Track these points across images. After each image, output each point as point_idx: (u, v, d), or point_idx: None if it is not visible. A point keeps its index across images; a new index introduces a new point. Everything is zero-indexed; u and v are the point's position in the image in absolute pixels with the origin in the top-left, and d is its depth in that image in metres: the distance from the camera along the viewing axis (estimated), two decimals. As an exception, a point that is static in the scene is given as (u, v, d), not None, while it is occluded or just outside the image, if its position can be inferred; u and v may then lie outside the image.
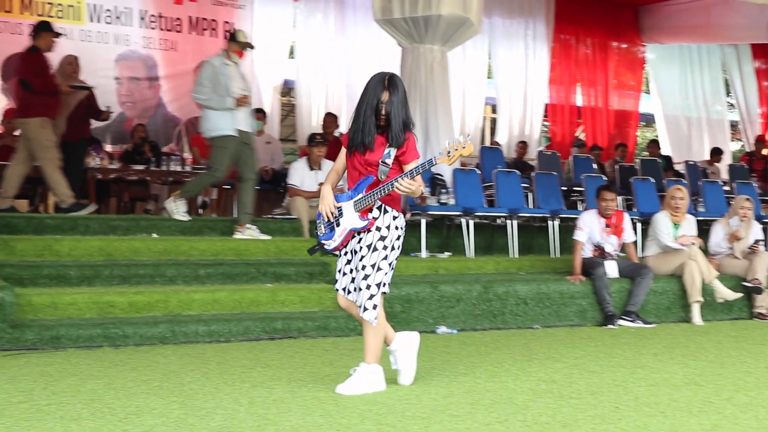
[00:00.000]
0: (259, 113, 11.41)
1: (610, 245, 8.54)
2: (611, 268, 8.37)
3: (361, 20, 13.83)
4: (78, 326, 6.28)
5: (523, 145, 14.27)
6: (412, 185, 4.58)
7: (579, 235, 8.49)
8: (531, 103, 15.60)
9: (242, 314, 6.96)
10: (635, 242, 8.94)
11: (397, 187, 4.59)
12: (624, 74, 16.94)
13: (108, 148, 11.72)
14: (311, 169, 9.42)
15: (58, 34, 9.03)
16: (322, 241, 4.88)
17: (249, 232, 8.46)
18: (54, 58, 9.12)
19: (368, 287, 4.72)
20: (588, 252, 8.52)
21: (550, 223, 10.26)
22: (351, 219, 4.75)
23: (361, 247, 4.76)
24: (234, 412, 4.28)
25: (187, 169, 10.74)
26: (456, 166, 10.20)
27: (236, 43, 8.65)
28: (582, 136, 16.45)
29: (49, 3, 11.93)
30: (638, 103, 17.17)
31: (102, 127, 11.39)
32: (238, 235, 8.43)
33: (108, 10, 12.33)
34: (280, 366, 5.61)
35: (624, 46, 16.86)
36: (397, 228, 4.79)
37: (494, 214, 10.05)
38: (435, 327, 7.44)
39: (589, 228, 8.50)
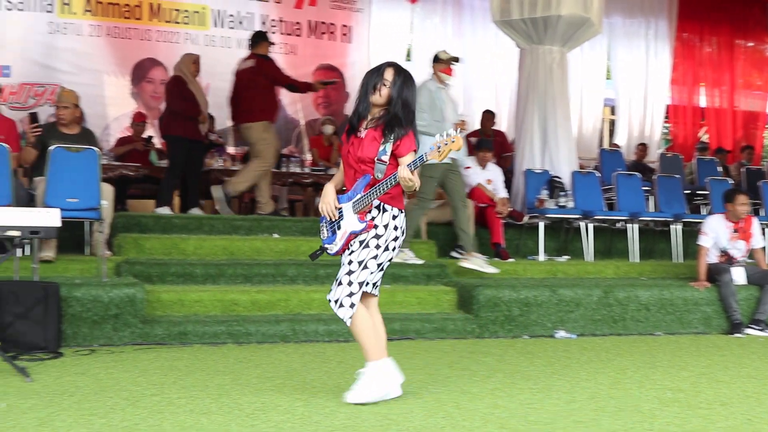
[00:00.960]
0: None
1: (738, 251, 8.25)
2: (739, 275, 8.09)
3: (479, 22, 13.78)
4: (203, 323, 6.47)
5: (642, 147, 13.93)
6: (414, 179, 4.24)
7: (704, 240, 8.23)
8: (651, 105, 15.20)
9: (361, 314, 7.02)
10: (764, 248, 8.62)
11: (401, 177, 4.24)
12: (751, 74, 16.33)
13: (230, 150, 12.02)
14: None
15: (272, 43, 9.65)
16: (325, 245, 4.61)
17: (476, 261, 8.05)
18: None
19: (350, 284, 4.40)
20: (713, 258, 8.25)
21: (672, 227, 9.99)
22: (350, 221, 4.44)
23: (353, 242, 4.45)
24: (357, 412, 4.33)
25: (306, 170, 10.91)
26: (573, 167, 10.06)
27: (441, 63, 8.30)
28: (705, 138, 15.94)
29: (176, 10, 12.33)
30: (766, 104, 16.52)
31: (225, 128, 11.70)
32: (465, 264, 8.06)
33: (231, 15, 12.66)
34: (400, 367, 5.63)
35: (751, 44, 16.25)
36: (396, 228, 4.45)
37: (615, 217, 9.85)
38: (554, 331, 7.35)
39: (715, 233, 8.23)
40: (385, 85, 4.40)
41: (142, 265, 7.26)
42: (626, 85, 15.09)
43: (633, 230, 9.74)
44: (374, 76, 4.45)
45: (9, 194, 6.85)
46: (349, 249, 4.46)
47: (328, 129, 11.79)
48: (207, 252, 7.80)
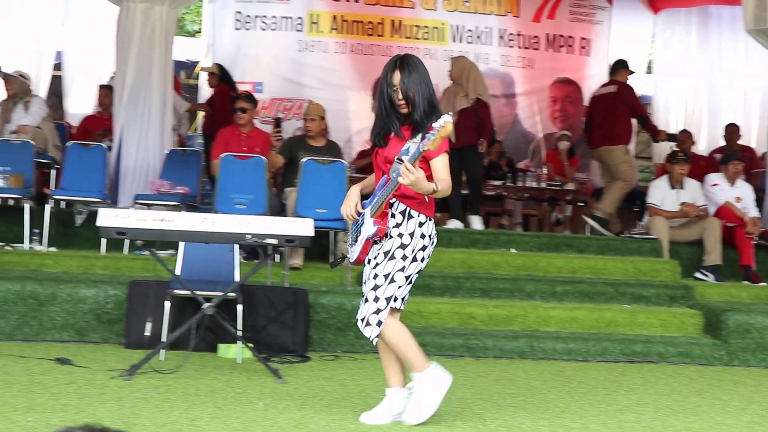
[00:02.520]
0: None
1: None
2: None
3: (727, 32, 13.06)
4: (442, 335, 6.54)
5: None
6: (413, 172, 3.74)
7: None
8: None
9: (600, 334, 6.85)
10: None
11: (402, 171, 3.77)
12: None
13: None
14: (672, 187, 9.05)
15: (632, 72, 9.96)
16: (346, 254, 4.29)
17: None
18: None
19: (376, 299, 4.02)
20: None
21: None
22: (367, 226, 4.07)
23: (377, 254, 4.08)
24: (604, 435, 4.21)
25: (543, 185, 10.80)
26: None
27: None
28: None
29: (416, 26, 12.61)
30: None
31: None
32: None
33: (469, 30, 12.78)
34: (643, 391, 5.44)
35: None
36: (423, 236, 4.03)
37: None
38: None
39: None
40: (395, 91, 4.03)
41: (383, 275, 7.44)
42: None
43: None
44: (384, 84, 4.07)
45: (264, 204, 7.26)
46: (373, 260, 4.10)
47: (564, 144, 11.62)
48: (445, 264, 7.88)
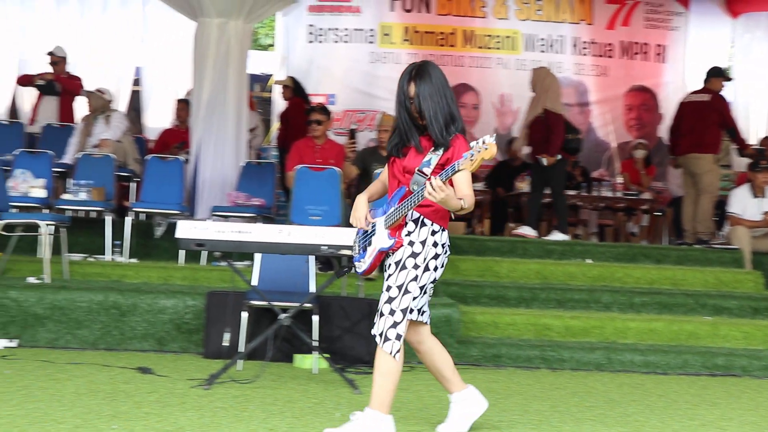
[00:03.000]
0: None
1: None
2: None
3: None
4: (517, 346, 6.49)
5: None
6: (444, 190, 3.60)
7: None
8: None
9: (680, 347, 6.71)
10: None
11: (428, 192, 3.63)
12: None
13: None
14: (755, 196, 8.85)
15: (729, 79, 9.91)
16: (354, 262, 4.14)
17: None
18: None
19: (392, 312, 3.84)
20: None
21: None
22: (380, 237, 3.93)
23: (389, 264, 3.95)
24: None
25: (618, 194, 10.64)
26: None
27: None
28: None
29: (488, 36, 12.58)
30: None
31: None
32: None
33: (542, 39, 12.70)
34: (727, 405, 5.30)
35: None
36: (435, 245, 3.87)
37: None
38: None
39: None
40: (412, 103, 3.86)
41: (458, 286, 7.42)
42: None
43: None
44: (400, 95, 3.90)
45: (339, 215, 7.31)
46: (385, 272, 3.96)
47: (640, 153, 11.45)
48: (520, 275, 7.83)
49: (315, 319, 5.72)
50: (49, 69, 10.48)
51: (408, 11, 12.44)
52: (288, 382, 5.37)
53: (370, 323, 6.12)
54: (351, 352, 6.17)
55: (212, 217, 8.06)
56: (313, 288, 5.92)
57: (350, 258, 4.22)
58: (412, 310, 3.88)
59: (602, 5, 12.76)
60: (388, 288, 3.88)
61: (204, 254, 7.81)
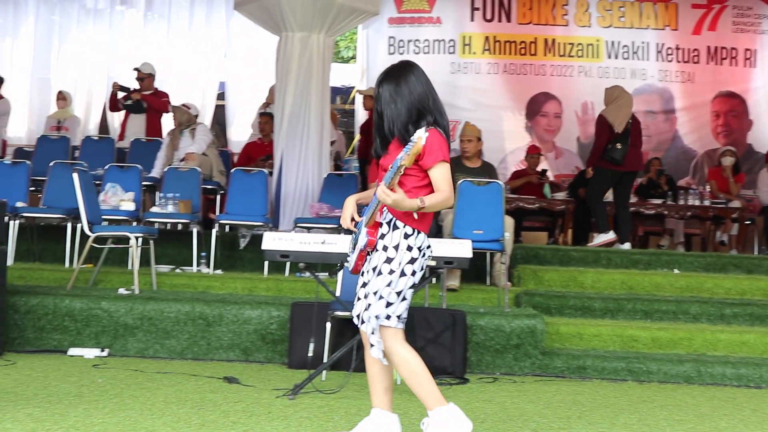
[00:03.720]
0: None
1: None
2: None
3: None
4: (603, 358, 6.37)
5: None
6: (389, 195, 3.54)
7: None
8: None
9: (774, 360, 6.51)
10: None
11: (379, 197, 3.61)
12: None
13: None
14: None
15: None
16: (345, 261, 4.11)
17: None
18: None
19: (370, 319, 3.78)
20: None
21: None
22: (361, 236, 3.84)
23: (367, 271, 3.87)
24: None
25: (706, 203, 10.39)
26: None
27: None
28: None
29: (570, 44, 12.46)
30: None
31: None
32: None
33: (625, 46, 12.51)
34: None
35: None
36: (410, 249, 3.74)
37: None
38: None
39: None
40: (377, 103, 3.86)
41: (541, 296, 7.34)
42: None
43: None
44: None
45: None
46: (367, 276, 3.86)
47: (728, 160, 11.16)
48: (605, 286, 7.71)
49: (398, 329, 5.72)
50: (136, 85, 10.77)
51: (488, 21, 12.40)
52: (371, 392, 5.38)
53: (453, 334, 6.14)
54: (434, 362, 6.13)
55: (295, 229, 8.15)
56: (395, 299, 5.93)
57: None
58: (389, 317, 3.79)
59: (687, 10, 12.51)
60: (366, 295, 3.82)
61: (287, 265, 7.90)
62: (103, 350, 6.31)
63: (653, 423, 4.83)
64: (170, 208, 8.16)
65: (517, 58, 12.33)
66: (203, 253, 8.12)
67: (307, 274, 5.34)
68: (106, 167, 8.65)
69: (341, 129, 12.03)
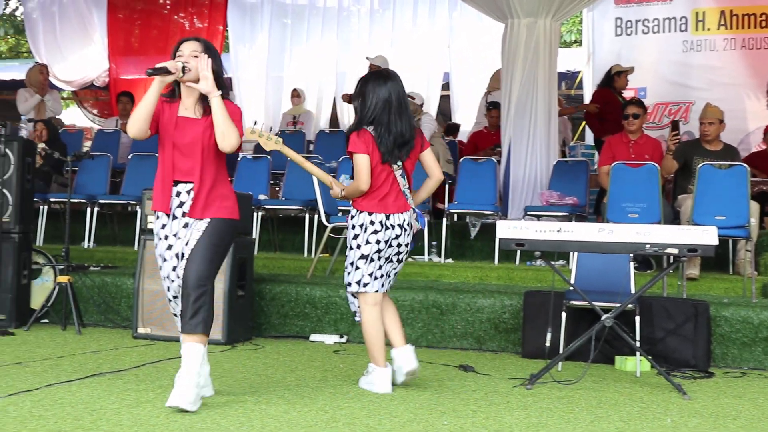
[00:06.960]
0: None
1: None
2: None
3: None
4: None
5: None
6: (336, 194, 4.85)
7: None
8: None
9: None
10: None
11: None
12: None
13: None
14: None
15: None
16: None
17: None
18: None
19: (349, 284, 4.79)
20: None
21: None
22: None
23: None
24: None
25: None
26: None
27: None
28: None
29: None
30: None
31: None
32: None
33: None
34: None
35: None
36: (353, 227, 4.72)
37: None
38: None
39: None
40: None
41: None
42: None
43: None
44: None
45: (658, 212, 7.04)
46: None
47: None
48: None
49: (637, 320, 5.54)
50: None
51: (724, -6, 11.69)
52: (611, 384, 5.24)
53: (696, 325, 5.86)
54: (674, 354, 5.91)
55: (525, 217, 8.07)
56: (632, 288, 5.74)
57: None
58: (356, 283, 4.70)
59: None
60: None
61: (518, 254, 7.84)
62: (342, 336, 6.55)
63: None
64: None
65: (757, 32, 11.50)
66: (434, 243, 8.22)
67: (540, 262, 5.29)
68: (340, 159, 8.94)
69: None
